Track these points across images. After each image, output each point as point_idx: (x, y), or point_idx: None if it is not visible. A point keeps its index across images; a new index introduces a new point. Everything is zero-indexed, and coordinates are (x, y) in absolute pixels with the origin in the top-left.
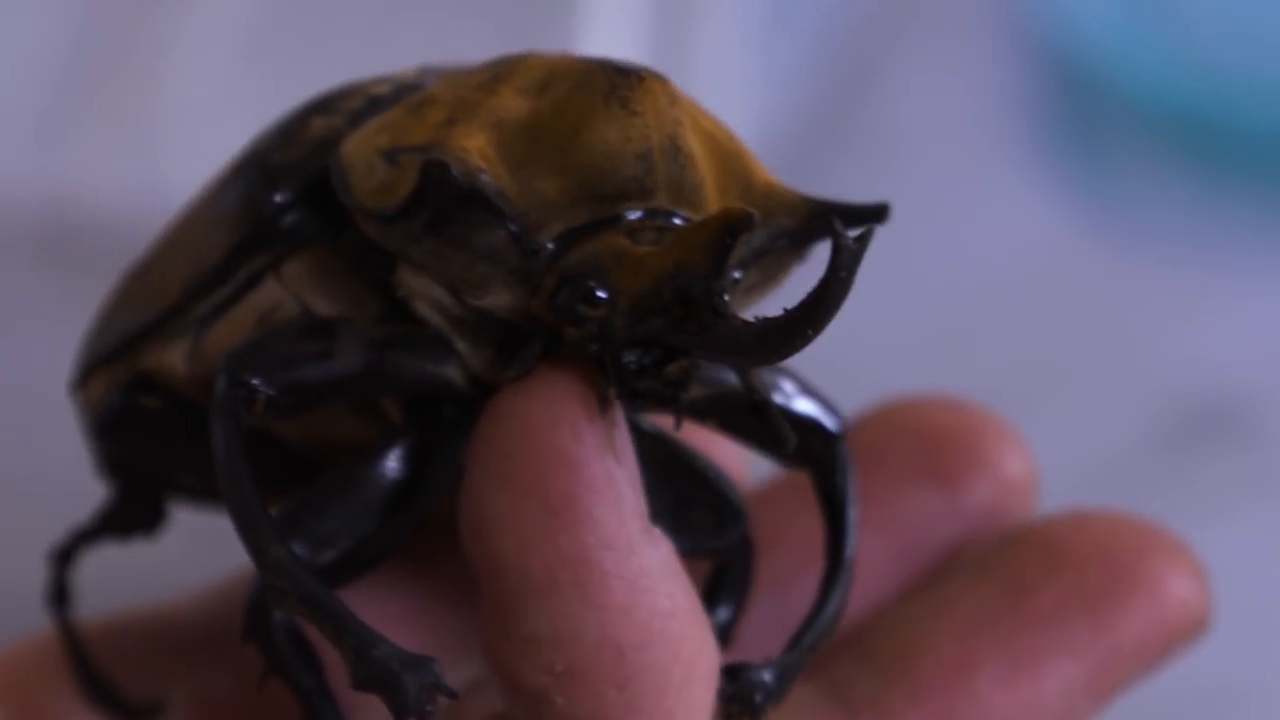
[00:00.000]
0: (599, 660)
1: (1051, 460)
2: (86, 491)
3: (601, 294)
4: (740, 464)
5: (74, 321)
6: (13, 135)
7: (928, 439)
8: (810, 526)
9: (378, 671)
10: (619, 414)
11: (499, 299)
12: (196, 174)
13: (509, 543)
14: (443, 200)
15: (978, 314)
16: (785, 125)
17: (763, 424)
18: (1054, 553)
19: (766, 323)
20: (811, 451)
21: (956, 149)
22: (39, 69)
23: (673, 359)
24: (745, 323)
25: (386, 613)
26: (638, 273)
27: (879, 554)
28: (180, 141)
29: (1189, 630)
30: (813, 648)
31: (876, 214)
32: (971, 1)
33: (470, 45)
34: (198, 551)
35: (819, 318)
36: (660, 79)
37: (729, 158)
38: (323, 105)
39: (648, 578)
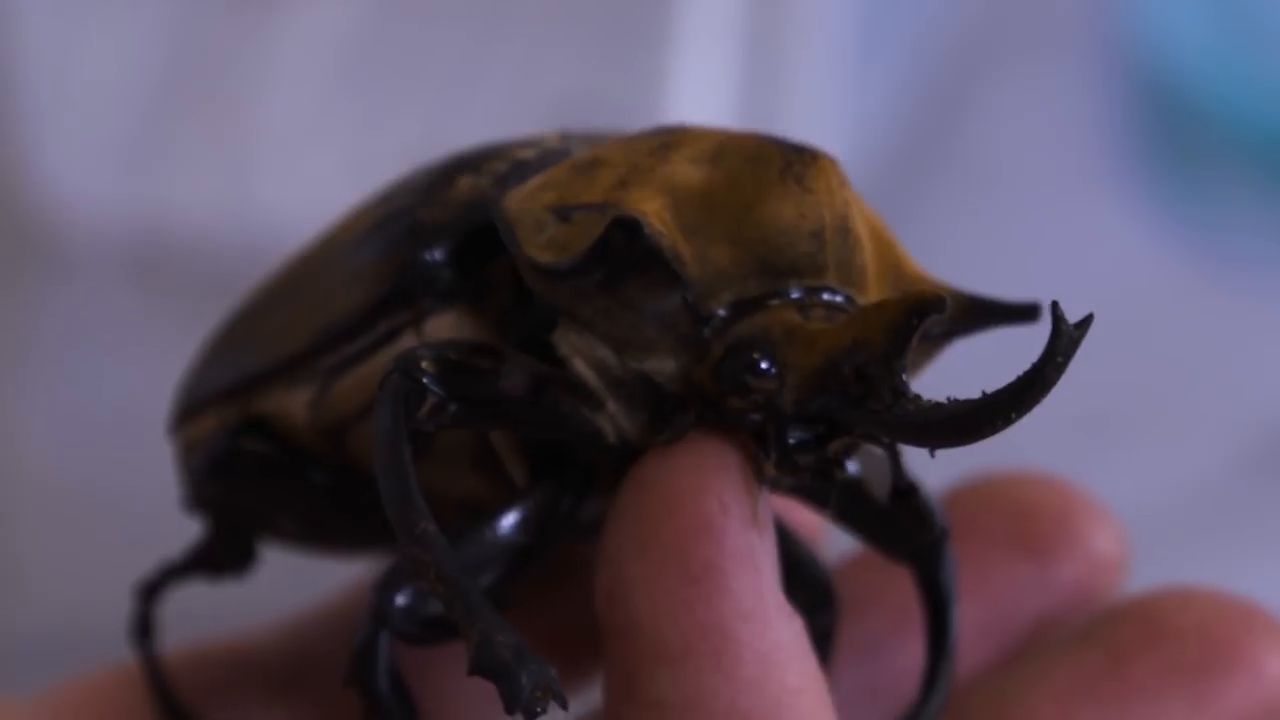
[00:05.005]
0: None
1: (1144, 483)
2: (174, 516)
3: (769, 366)
4: (820, 534)
5: (167, 343)
6: (106, 159)
7: (1020, 514)
8: (901, 591)
9: (497, 660)
10: (764, 488)
11: (662, 363)
12: (288, 197)
13: (646, 607)
14: (624, 258)
15: None
16: (878, 153)
17: (906, 510)
18: (1154, 626)
19: (962, 404)
20: (916, 546)
21: (1050, 175)
22: (131, 93)
23: (835, 436)
24: (935, 403)
25: None
26: (810, 348)
27: (969, 625)
28: (272, 165)
29: None
30: None
31: (1026, 314)
32: (1064, 28)
33: (561, 74)
34: (277, 582)
35: (1027, 401)
36: (831, 159)
37: (882, 245)
38: (467, 164)
39: (781, 652)
